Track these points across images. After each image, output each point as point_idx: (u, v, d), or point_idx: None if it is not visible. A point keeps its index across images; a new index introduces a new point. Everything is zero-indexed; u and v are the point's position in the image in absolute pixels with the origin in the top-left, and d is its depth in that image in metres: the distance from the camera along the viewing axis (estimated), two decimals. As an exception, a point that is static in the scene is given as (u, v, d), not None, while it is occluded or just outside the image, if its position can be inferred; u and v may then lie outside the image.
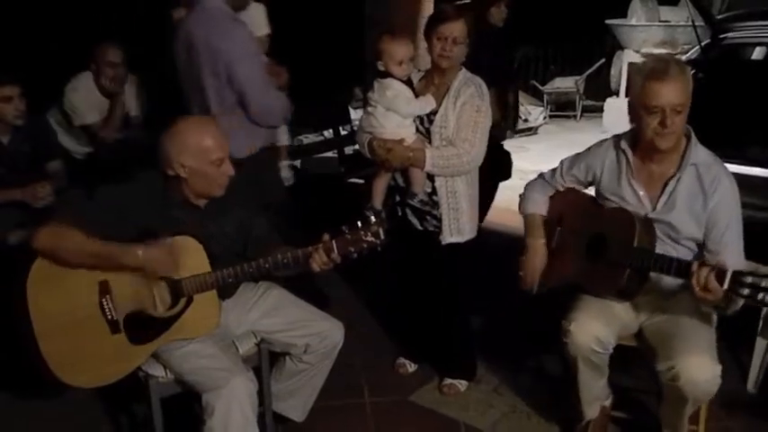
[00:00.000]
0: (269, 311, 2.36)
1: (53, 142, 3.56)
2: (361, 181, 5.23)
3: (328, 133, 6.11)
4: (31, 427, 2.64)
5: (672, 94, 2.08)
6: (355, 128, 5.81)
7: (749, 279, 1.89)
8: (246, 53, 2.71)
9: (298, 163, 5.63)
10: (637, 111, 2.17)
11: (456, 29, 2.50)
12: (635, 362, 2.67)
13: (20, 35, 5.41)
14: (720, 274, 1.92)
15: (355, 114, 6.33)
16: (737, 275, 1.91)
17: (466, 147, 2.55)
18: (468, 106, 2.55)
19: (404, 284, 2.98)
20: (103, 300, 2.05)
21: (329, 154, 5.89)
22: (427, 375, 3.00)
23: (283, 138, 5.53)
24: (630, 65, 7.40)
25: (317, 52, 7.82)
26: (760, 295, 1.87)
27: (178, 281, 2.09)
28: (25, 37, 5.44)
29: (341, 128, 5.62)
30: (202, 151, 2.08)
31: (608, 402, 2.52)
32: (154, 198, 2.11)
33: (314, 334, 2.33)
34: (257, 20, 3.88)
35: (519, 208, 2.59)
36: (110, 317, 2.06)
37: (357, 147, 4.97)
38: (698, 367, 2.06)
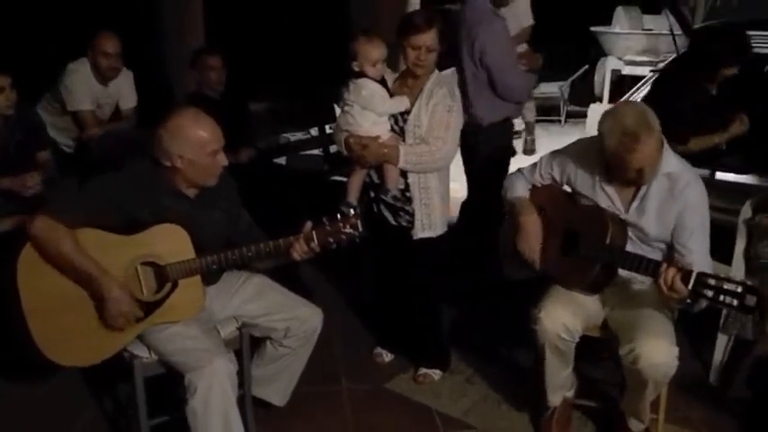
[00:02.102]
0: (251, 297, 2.46)
1: (43, 133, 3.61)
2: (345, 179, 5.33)
3: (314, 131, 6.20)
4: (15, 408, 2.71)
5: (647, 158, 2.18)
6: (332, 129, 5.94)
7: (712, 281, 2.01)
8: (496, 42, 3.32)
9: (283, 160, 5.73)
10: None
11: (428, 38, 2.58)
12: (599, 354, 2.81)
13: (11, 26, 5.45)
14: (686, 275, 2.05)
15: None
16: (701, 277, 2.03)
17: (438, 144, 2.65)
18: (440, 107, 2.65)
19: (380, 277, 3.08)
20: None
21: (315, 152, 5.98)
22: (403, 365, 3.11)
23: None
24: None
25: (303, 52, 7.91)
26: (721, 297, 2.00)
27: (163, 266, 2.18)
28: (16, 28, 5.48)
29: (326, 126, 5.72)
30: (200, 143, 2.16)
31: (571, 393, 2.64)
32: (143, 186, 2.19)
33: (294, 318, 2.43)
34: (523, 12, 4.29)
35: (503, 196, 2.68)
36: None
37: (339, 145, 5.05)
38: (657, 349, 2.19)
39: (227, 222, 2.38)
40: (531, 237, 2.55)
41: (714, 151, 3.35)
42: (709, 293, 2.02)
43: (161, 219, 2.19)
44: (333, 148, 5.65)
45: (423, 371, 3.01)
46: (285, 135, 6.62)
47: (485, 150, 3.53)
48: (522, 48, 3.91)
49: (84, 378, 2.82)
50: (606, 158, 2.29)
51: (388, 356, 3.16)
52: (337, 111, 6.03)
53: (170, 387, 2.31)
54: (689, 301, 2.13)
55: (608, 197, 2.39)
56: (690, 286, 2.03)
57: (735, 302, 1.98)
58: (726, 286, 1.99)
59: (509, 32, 3.51)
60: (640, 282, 2.40)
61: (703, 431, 2.68)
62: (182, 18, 5.78)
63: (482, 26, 3.32)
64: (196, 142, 2.16)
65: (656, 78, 3.95)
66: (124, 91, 4.13)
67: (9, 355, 2.44)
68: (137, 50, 4.26)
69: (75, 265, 2.08)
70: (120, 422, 2.69)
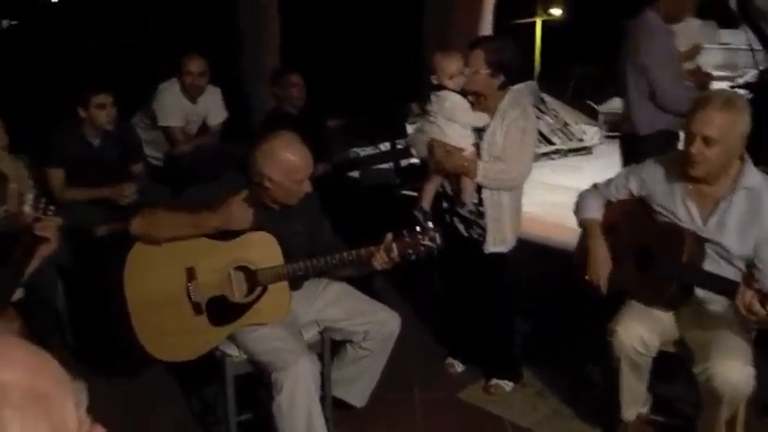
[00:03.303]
0: (332, 302, 2.58)
1: (138, 146, 3.89)
2: (415, 193, 5.43)
3: (384, 146, 6.33)
4: (110, 398, 2.88)
5: (705, 124, 2.19)
6: (409, 134, 6.05)
7: None
8: (660, 54, 3.43)
9: (356, 174, 5.88)
10: None
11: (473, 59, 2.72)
12: (675, 372, 2.79)
13: (109, 49, 5.86)
14: (764, 297, 2.03)
15: (411, 129, 6.56)
16: None
17: (513, 164, 2.73)
18: (513, 128, 2.73)
19: (452, 288, 3.16)
20: (189, 284, 2.31)
21: (385, 166, 6.12)
22: (474, 375, 3.16)
23: None
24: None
25: (376, 68, 8.10)
26: None
27: (255, 271, 2.34)
28: (115, 50, 5.89)
29: (397, 142, 5.85)
30: (290, 170, 2.30)
31: (645, 409, 2.64)
32: None
33: (373, 322, 2.54)
34: (695, 30, 4.48)
35: (575, 214, 2.70)
36: (194, 299, 2.32)
37: (412, 160, 5.17)
38: (731, 369, 2.18)
39: (309, 233, 2.52)
40: (600, 263, 2.54)
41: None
42: None
43: (250, 227, 2.34)
44: (403, 163, 5.79)
45: (494, 381, 3.06)
46: (357, 150, 6.79)
47: (642, 160, 3.48)
48: (692, 64, 3.96)
49: (174, 373, 3.01)
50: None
51: (459, 367, 3.23)
52: (408, 128, 6.20)
53: (256, 385, 2.45)
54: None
55: (687, 210, 2.38)
56: None
57: None
58: None
59: (675, 46, 3.57)
60: (717, 301, 2.39)
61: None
62: (260, 36, 6.04)
63: (647, 38, 3.43)
64: (286, 168, 2.30)
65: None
66: (212, 107, 4.37)
67: (110, 349, 2.64)
68: (224, 68, 4.53)
69: (183, 224, 2.26)
70: (207, 418, 2.86)
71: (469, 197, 2.80)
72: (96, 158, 3.58)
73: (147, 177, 3.92)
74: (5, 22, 9.81)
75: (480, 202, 2.82)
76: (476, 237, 2.87)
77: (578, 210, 2.69)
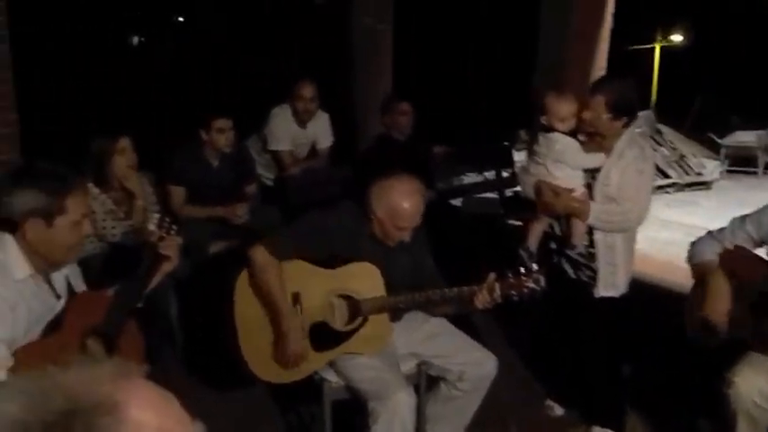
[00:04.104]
0: (430, 337, 2.57)
1: (252, 168, 4.08)
2: (520, 223, 5.34)
3: (489, 174, 6.28)
4: (211, 410, 3.00)
5: None
6: (516, 171, 5.97)
7: None
8: None
9: (458, 201, 5.86)
10: None
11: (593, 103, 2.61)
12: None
13: (228, 78, 6.21)
14: None
15: (518, 157, 6.47)
16: None
17: (628, 206, 2.63)
18: (630, 168, 2.62)
19: (555, 329, 3.06)
20: (294, 308, 2.38)
21: (489, 194, 6.07)
22: (575, 420, 3.04)
23: None
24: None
25: (485, 95, 8.09)
26: None
27: (358, 301, 2.38)
28: (232, 79, 6.23)
29: (503, 170, 5.79)
30: (397, 215, 2.33)
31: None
32: (348, 226, 2.40)
33: (469, 362, 2.51)
34: None
35: (689, 262, 2.58)
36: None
37: (517, 189, 5.10)
38: None
39: (413, 267, 2.53)
40: (720, 300, 2.40)
41: None
42: None
43: (357, 257, 2.39)
44: (508, 192, 5.72)
45: (596, 429, 2.93)
46: (460, 177, 6.79)
47: None
48: None
49: (273, 391, 3.09)
50: None
51: (559, 410, 3.11)
52: (515, 155, 6.12)
53: (353, 412, 2.48)
54: None
55: None
56: None
57: None
58: None
59: None
60: None
61: None
62: (372, 65, 6.17)
63: None
64: (393, 211, 2.32)
65: None
66: (320, 132, 4.51)
67: (217, 364, 2.76)
68: (333, 95, 4.66)
69: (272, 296, 2.34)
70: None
71: (580, 239, 2.72)
72: (213, 179, 3.77)
73: (258, 198, 4.09)
74: (135, 39, 10.59)
75: (591, 244, 2.73)
76: (585, 279, 2.78)
77: (692, 256, 2.56)
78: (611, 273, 2.72)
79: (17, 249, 1.83)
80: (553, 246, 2.85)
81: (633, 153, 2.65)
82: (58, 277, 2.01)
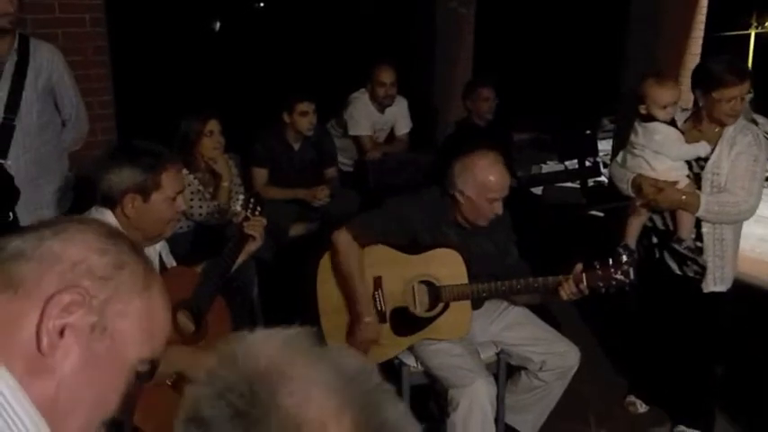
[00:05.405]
0: (511, 325, 2.53)
1: (333, 151, 4.10)
2: (601, 214, 5.18)
3: (571, 163, 6.11)
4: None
5: None
6: (599, 161, 5.78)
7: None
8: None
9: (539, 190, 5.73)
10: None
11: (744, 89, 2.45)
12: None
13: (311, 62, 6.26)
14: None
15: (601, 146, 6.26)
16: None
17: (743, 195, 2.48)
18: (744, 155, 2.48)
19: (648, 324, 2.93)
20: (376, 293, 2.39)
21: (570, 184, 5.90)
22: (658, 418, 2.94)
23: None
24: None
25: (569, 81, 7.86)
26: None
27: (439, 287, 2.36)
28: (313, 63, 6.29)
29: (586, 159, 5.61)
30: (485, 188, 2.30)
31: None
32: (431, 213, 2.39)
33: (551, 353, 2.45)
34: None
35: None
36: (379, 308, 2.40)
37: (599, 179, 4.93)
38: None
39: (496, 254, 2.49)
40: None
41: None
42: None
43: (440, 244, 2.37)
44: (591, 182, 5.54)
45: (681, 428, 2.82)
46: (540, 165, 6.63)
47: None
48: None
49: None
50: None
51: (642, 407, 3.01)
52: (600, 144, 5.92)
53: (430, 398, 2.47)
54: None
55: None
56: None
57: None
58: None
59: None
60: None
61: None
62: (453, 49, 6.10)
63: None
64: (481, 184, 2.29)
65: None
66: (399, 117, 4.49)
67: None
68: (412, 80, 4.62)
69: (351, 282, 2.35)
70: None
71: (688, 233, 2.57)
72: (295, 161, 3.82)
73: (339, 180, 4.12)
74: (217, 24, 10.87)
75: (699, 238, 2.59)
76: (691, 275, 2.64)
77: None
78: (720, 266, 2.58)
79: (117, 225, 1.91)
80: (655, 240, 2.72)
81: (747, 140, 2.50)
82: (152, 252, 2.09)
